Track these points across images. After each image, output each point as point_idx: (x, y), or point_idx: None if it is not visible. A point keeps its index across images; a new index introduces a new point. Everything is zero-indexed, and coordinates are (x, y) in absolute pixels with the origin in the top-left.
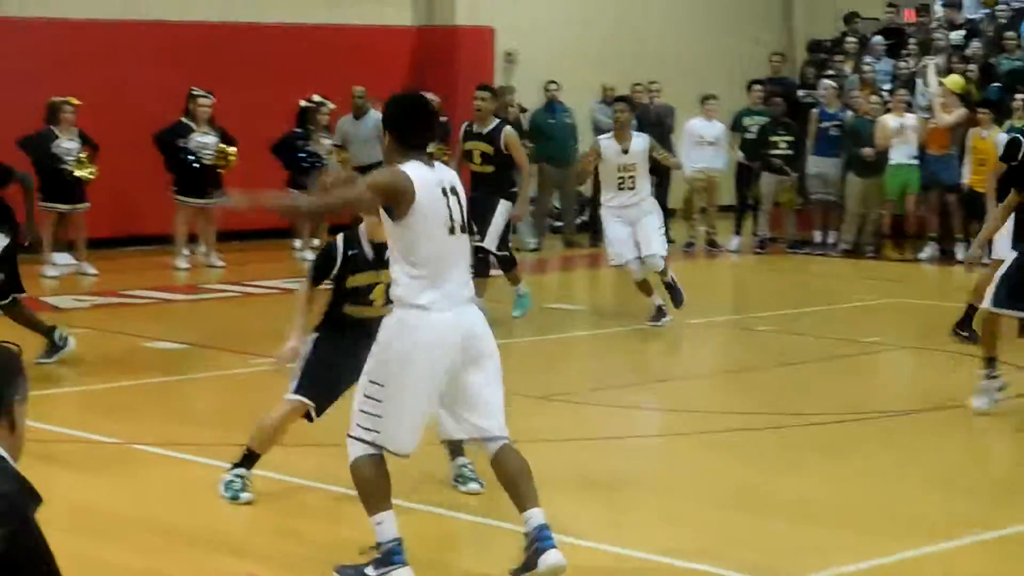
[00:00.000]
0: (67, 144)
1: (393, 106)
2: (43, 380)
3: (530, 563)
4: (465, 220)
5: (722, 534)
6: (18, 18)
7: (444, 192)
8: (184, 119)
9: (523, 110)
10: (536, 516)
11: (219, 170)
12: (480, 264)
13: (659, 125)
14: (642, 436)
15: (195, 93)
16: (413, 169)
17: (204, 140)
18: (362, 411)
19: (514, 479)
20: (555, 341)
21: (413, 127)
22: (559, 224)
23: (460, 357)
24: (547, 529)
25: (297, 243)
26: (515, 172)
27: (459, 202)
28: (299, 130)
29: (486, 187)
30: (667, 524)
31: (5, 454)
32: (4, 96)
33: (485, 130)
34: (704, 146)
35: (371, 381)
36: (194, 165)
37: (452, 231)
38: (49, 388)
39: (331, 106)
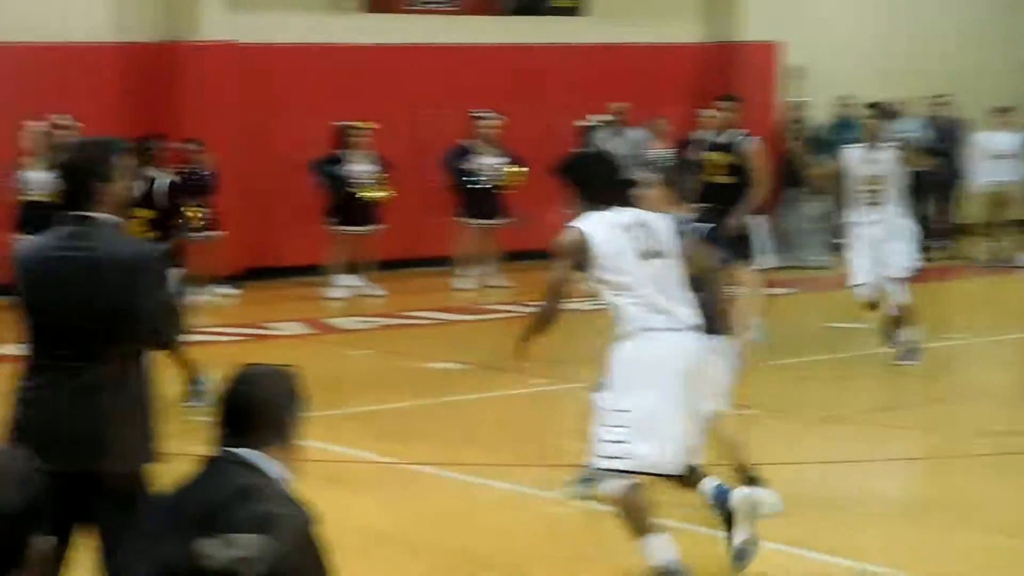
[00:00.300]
0: (358, 167)
1: (575, 165)
2: (326, 401)
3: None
4: (664, 246)
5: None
6: (318, 44)
7: (627, 228)
8: (469, 141)
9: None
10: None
11: (504, 191)
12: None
13: (951, 139)
14: (936, 458)
15: (481, 115)
16: (588, 222)
17: (489, 162)
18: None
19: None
20: (838, 361)
21: (593, 184)
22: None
23: (686, 379)
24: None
25: None
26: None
27: (649, 233)
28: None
29: (722, 200)
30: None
31: (283, 474)
32: (295, 120)
33: (726, 141)
34: (998, 159)
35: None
36: (478, 187)
37: (645, 257)
38: (332, 409)
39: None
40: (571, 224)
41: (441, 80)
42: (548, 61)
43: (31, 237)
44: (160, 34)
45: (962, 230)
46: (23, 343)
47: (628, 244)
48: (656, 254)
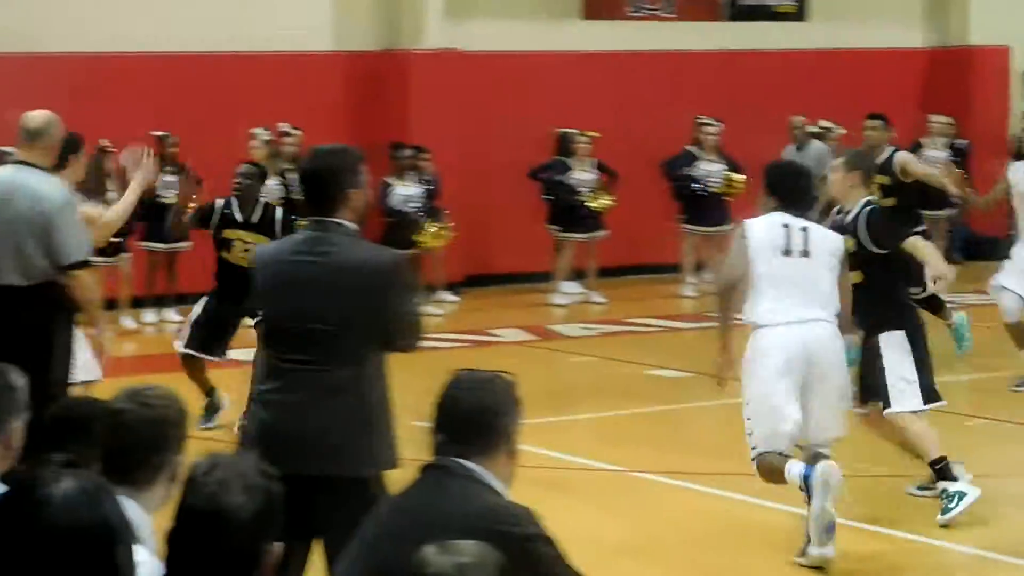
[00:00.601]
0: (580, 175)
1: (770, 172)
2: (547, 408)
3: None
4: (807, 248)
5: None
6: (538, 52)
7: (786, 226)
8: (690, 147)
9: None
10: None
11: (726, 198)
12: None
13: None
14: None
15: (702, 121)
16: (754, 219)
17: (710, 168)
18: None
19: None
20: None
21: (781, 190)
22: None
23: (806, 369)
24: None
25: None
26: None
27: (806, 235)
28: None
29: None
30: None
31: (503, 483)
32: (516, 127)
33: (878, 161)
34: None
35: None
36: (700, 193)
37: (788, 253)
38: (554, 416)
39: (840, 131)
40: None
41: (660, 87)
42: (768, 67)
43: (280, 240)
44: (382, 43)
45: None
46: (261, 347)
47: (778, 240)
48: (803, 253)
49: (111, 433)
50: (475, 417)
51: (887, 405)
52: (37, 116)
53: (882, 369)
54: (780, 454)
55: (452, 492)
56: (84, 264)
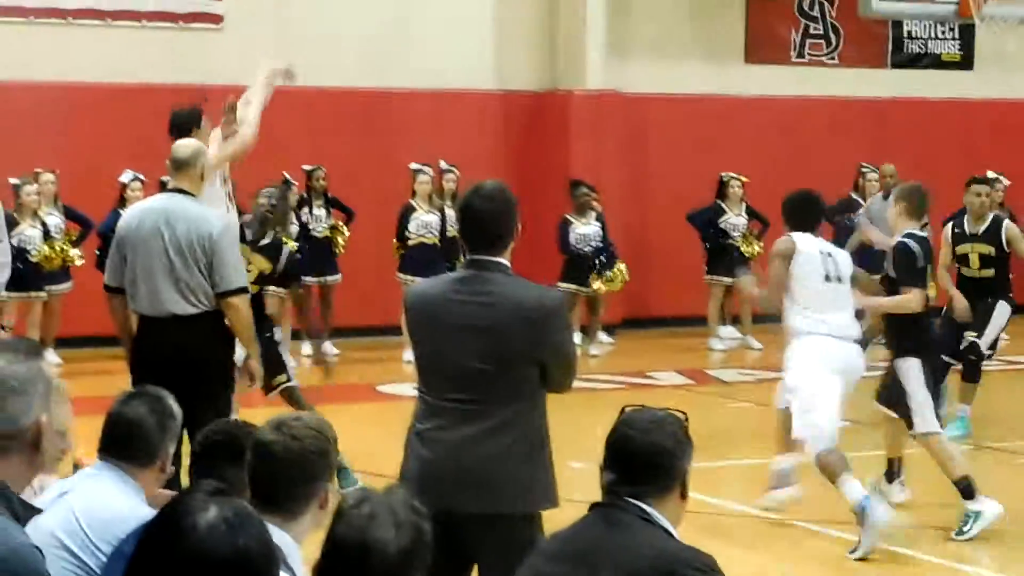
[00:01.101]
0: (735, 219)
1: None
2: (705, 453)
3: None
4: (841, 274)
5: None
6: (699, 95)
7: (822, 253)
8: (853, 194)
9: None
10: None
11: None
12: (971, 368)
13: None
14: None
15: (864, 168)
16: (801, 237)
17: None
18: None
19: None
20: None
21: (800, 215)
22: None
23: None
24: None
25: None
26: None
27: (835, 262)
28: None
29: (982, 292)
30: None
31: (673, 525)
32: (675, 170)
33: (982, 229)
34: None
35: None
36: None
37: (827, 279)
38: (711, 461)
39: (1005, 182)
40: (788, 236)
41: (821, 132)
42: (932, 115)
43: (421, 280)
44: (542, 83)
45: None
46: (419, 384)
47: (820, 266)
48: (837, 279)
49: (259, 464)
50: (648, 457)
51: (910, 426)
52: (186, 145)
53: (905, 394)
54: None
55: (627, 531)
56: (242, 291)
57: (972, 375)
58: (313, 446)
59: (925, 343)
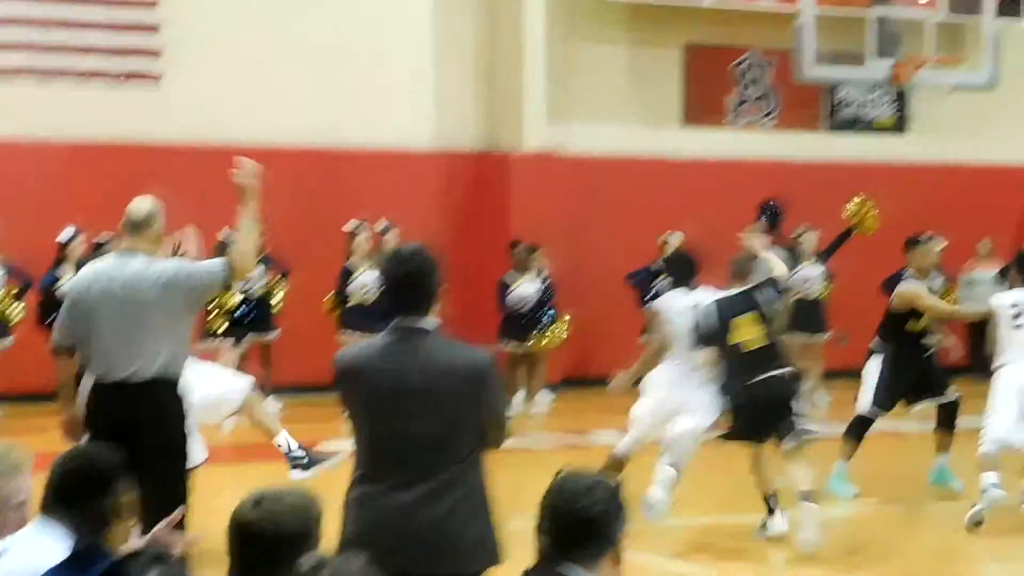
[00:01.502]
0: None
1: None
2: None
3: None
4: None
5: None
6: (637, 157)
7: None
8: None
9: None
10: None
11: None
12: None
13: None
14: None
15: (801, 231)
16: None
17: (809, 274)
18: None
19: None
20: None
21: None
22: None
23: None
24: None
25: None
26: None
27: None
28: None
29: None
30: None
31: None
32: (614, 230)
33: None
34: None
35: None
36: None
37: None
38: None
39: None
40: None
41: (759, 195)
42: (866, 179)
43: (357, 342)
44: (483, 143)
45: None
46: (356, 449)
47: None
48: None
49: (240, 544)
50: (582, 523)
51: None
52: (141, 205)
53: None
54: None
55: None
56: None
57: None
58: (295, 528)
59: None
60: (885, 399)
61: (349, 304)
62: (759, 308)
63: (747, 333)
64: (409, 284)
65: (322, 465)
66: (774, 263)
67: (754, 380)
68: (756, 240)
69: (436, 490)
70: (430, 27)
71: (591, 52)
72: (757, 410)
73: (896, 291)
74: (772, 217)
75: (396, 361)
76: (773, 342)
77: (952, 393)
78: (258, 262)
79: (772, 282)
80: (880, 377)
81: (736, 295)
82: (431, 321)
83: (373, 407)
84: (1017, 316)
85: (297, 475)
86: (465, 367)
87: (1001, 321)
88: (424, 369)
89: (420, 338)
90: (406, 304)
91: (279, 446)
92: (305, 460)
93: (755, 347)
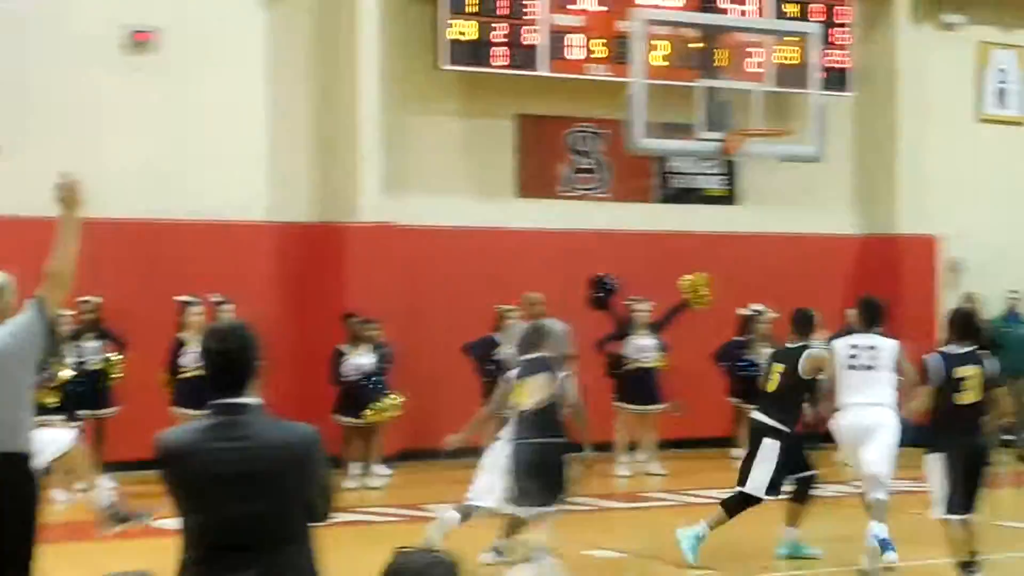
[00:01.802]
0: (508, 351)
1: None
2: None
3: None
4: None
5: None
6: (472, 228)
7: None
8: (623, 326)
9: None
10: None
11: (659, 376)
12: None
13: None
14: None
15: (633, 300)
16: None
17: (643, 344)
18: None
19: None
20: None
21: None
22: (1010, 438)
23: None
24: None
25: (736, 452)
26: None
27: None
28: (740, 338)
29: None
30: None
31: None
32: (451, 302)
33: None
34: None
35: None
36: (632, 371)
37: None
38: None
39: (771, 315)
40: None
41: (592, 264)
42: (698, 248)
43: (182, 425)
44: (318, 215)
45: None
46: (184, 534)
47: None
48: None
49: None
50: None
51: None
52: None
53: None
54: None
55: None
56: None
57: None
58: None
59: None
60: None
61: (181, 378)
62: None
63: (520, 396)
64: (228, 361)
65: (135, 521)
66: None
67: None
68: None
69: (266, 572)
70: (264, 97)
71: (426, 123)
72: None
73: (808, 356)
74: (602, 290)
75: (218, 442)
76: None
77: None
78: (93, 336)
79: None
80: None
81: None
82: (252, 398)
83: (197, 490)
84: (852, 358)
85: (110, 529)
86: (289, 443)
87: (837, 363)
88: (247, 448)
89: (241, 416)
90: (225, 382)
91: (93, 496)
92: (120, 514)
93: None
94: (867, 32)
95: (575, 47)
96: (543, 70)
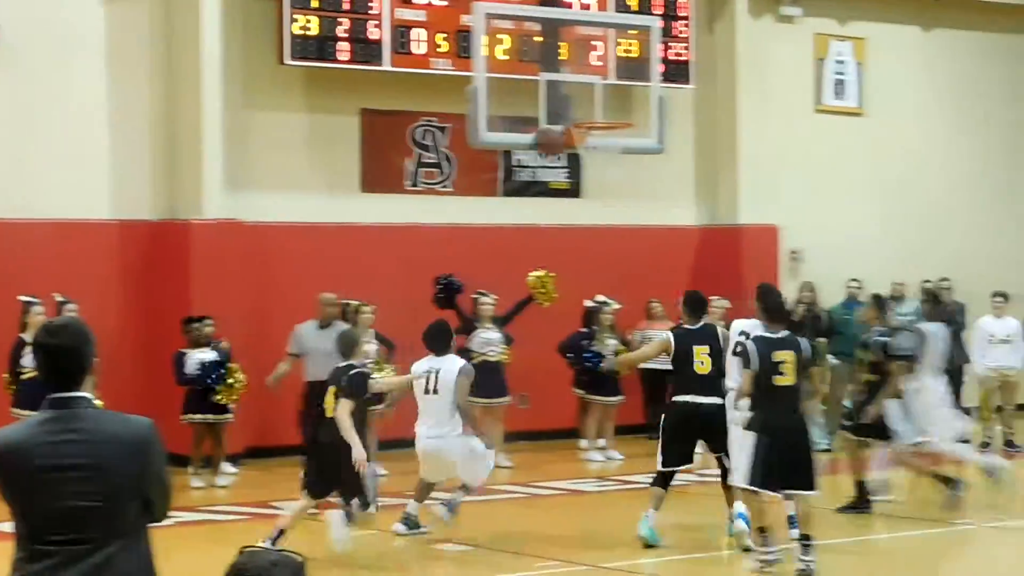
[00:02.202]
0: (365, 347)
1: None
2: None
3: None
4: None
5: None
6: (316, 224)
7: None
8: (471, 319)
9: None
10: None
11: (504, 369)
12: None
13: (950, 322)
14: None
15: (479, 293)
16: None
17: (489, 337)
18: None
19: None
20: (851, 545)
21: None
22: (848, 423)
23: None
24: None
25: (583, 443)
26: None
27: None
28: (585, 330)
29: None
30: None
31: None
32: (294, 298)
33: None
34: (996, 344)
35: None
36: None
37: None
38: None
39: (616, 306)
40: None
41: (437, 258)
42: (542, 241)
43: (18, 424)
44: (161, 212)
45: (967, 414)
46: (17, 530)
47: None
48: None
49: None
50: None
51: None
52: None
53: None
54: None
55: None
56: None
57: None
58: None
59: None
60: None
61: (22, 379)
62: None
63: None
64: (60, 357)
65: None
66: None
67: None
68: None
69: (100, 565)
70: (106, 94)
71: (270, 119)
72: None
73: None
74: (448, 290)
75: (51, 435)
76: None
77: None
78: None
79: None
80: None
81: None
82: (86, 393)
83: (30, 486)
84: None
85: None
86: (125, 436)
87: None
88: (86, 441)
89: (75, 410)
90: (59, 377)
91: None
92: None
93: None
94: (707, 25)
95: (418, 41)
96: (387, 65)
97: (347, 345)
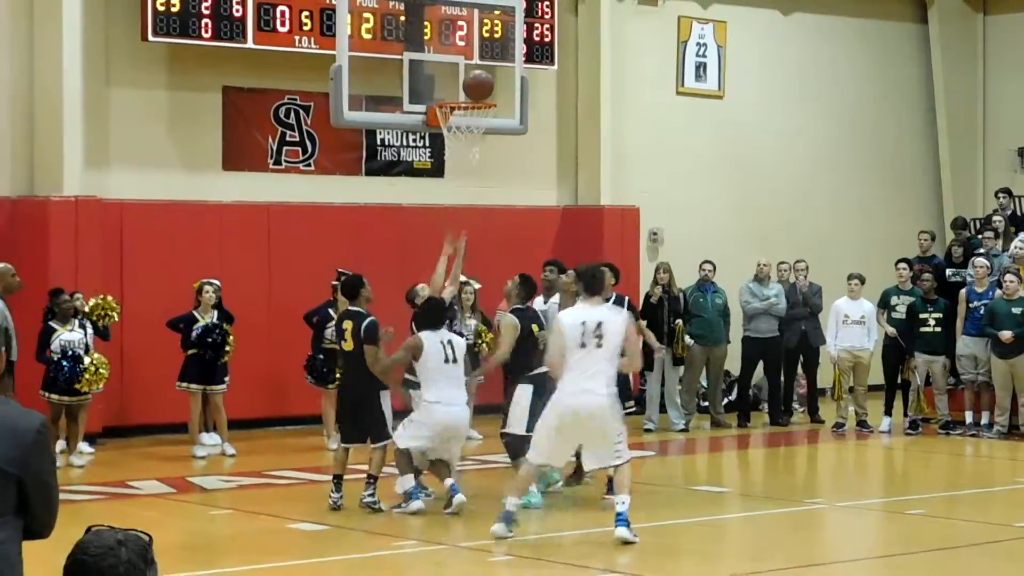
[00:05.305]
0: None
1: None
2: (192, 562)
3: None
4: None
5: None
6: (178, 201)
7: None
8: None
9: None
10: None
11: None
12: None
13: (806, 305)
14: None
15: (341, 272)
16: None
17: None
18: None
19: None
20: (703, 524)
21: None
22: (706, 404)
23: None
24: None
25: None
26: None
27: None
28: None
29: None
30: None
31: None
32: (154, 276)
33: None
34: (850, 325)
35: None
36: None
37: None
38: (196, 571)
39: (477, 286)
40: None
41: (301, 238)
42: (405, 221)
43: None
44: (18, 189)
45: (820, 394)
46: None
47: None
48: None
49: None
50: None
51: None
52: None
53: None
54: None
55: None
56: None
57: None
58: None
59: None
60: None
61: None
62: None
63: None
64: None
65: None
66: None
67: None
68: None
69: None
70: None
71: (132, 95)
72: None
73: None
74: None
75: None
76: None
77: None
78: None
79: None
80: None
81: None
82: None
83: None
84: (583, 335)
85: None
86: (19, 430)
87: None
88: None
89: None
90: None
91: None
92: None
93: None
94: (571, 6)
95: (282, 19)
96: (250, 42)
97: (352, 289)
